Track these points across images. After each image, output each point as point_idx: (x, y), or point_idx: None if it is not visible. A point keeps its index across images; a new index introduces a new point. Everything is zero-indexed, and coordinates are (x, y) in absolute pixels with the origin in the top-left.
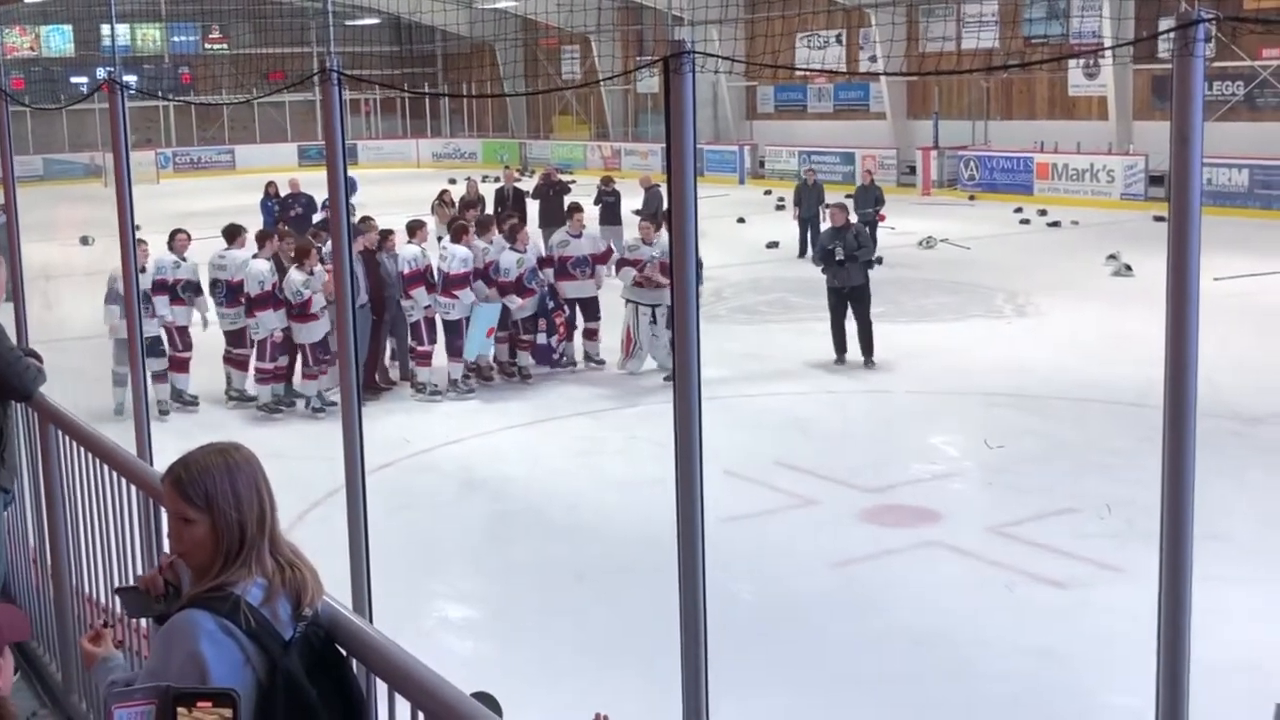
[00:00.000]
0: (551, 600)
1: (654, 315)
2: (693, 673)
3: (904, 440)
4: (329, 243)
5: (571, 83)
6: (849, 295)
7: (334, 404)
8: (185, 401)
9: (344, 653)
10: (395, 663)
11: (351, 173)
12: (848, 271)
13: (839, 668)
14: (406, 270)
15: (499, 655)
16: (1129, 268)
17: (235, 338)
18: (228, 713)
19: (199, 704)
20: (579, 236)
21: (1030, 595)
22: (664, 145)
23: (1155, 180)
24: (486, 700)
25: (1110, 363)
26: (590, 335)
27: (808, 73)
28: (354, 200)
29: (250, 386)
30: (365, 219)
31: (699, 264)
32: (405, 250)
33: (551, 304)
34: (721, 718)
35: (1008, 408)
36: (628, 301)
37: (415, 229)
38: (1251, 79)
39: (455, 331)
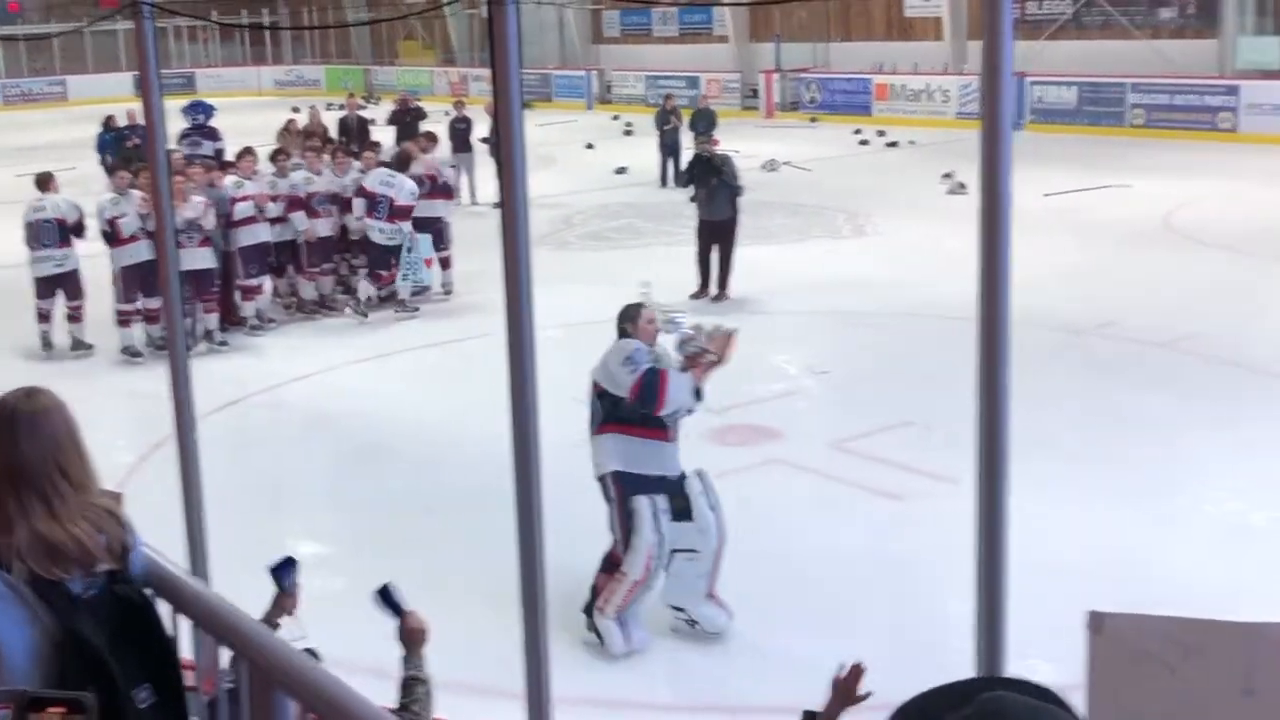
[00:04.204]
0: (401, 533)
1: None
2: (532, 602)
3: (747, 361)
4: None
5: (414, 8)
6: (718, 229)
7: (224, 343)
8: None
9: (158, 604)
10: (216, 611)
11: (207, 99)
12: (717, 204)
13: None
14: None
15: (348, 591)
16: (963, 186)
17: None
18: (79, 718)
19: (50, 709)
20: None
21: (869, 508)
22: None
23: None
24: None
25: (944, 279)
26: (444, 264)
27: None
28: (211, 124)
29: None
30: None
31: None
32: (223, 181)
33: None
34: (568, 642)
35: (847, 326)
36: None
37: (239, 158)
38: None
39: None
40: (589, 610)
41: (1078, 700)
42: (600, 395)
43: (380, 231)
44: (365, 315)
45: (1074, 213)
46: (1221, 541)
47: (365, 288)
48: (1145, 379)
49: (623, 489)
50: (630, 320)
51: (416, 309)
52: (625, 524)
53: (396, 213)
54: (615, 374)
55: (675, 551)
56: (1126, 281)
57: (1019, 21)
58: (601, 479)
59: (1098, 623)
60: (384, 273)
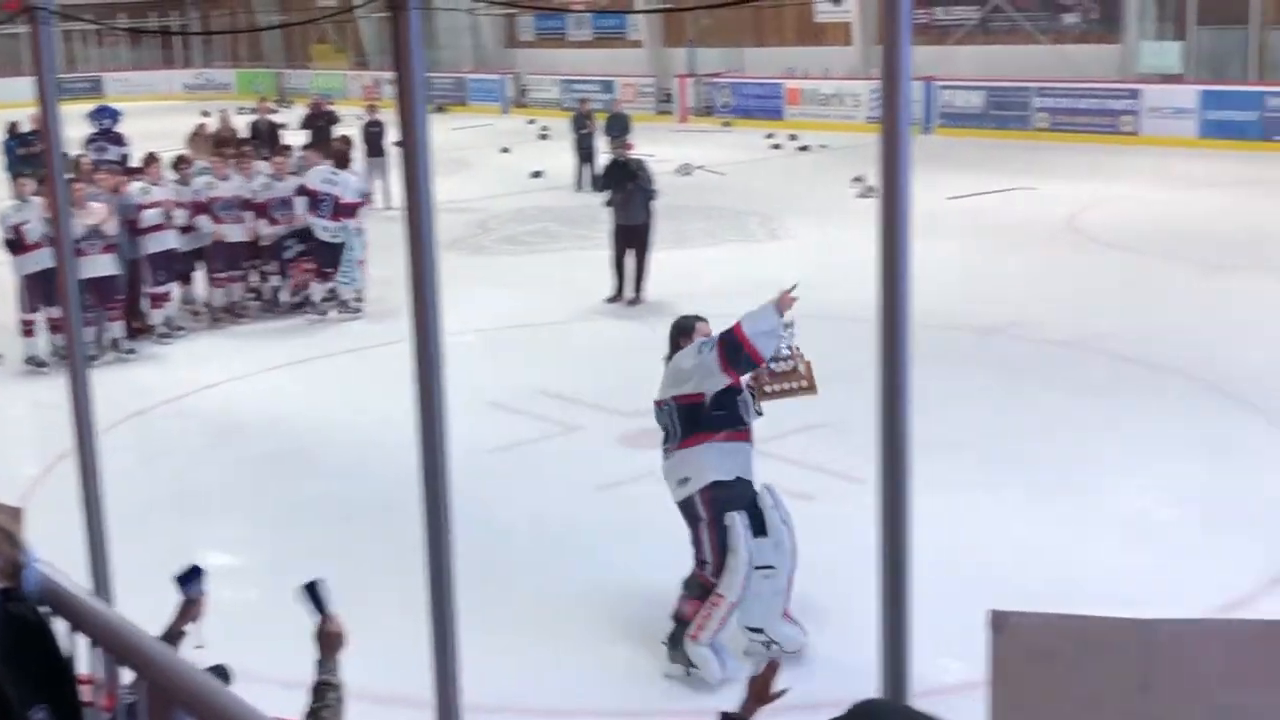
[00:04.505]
0: (319, 542)
1: None
2: (440, 609)
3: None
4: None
5: (326, 11)
6: (633, 233)
7: (132, 351)
8: None
9: (54, 622)
10: (113, 628)
11: (114, 104)
12: (632, 208)
13: (609, 588)
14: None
15: (262, 602)
16: (873, 189)
17: None
18: None
19: None
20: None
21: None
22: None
23: None
24: (218, 673)
25: (855, 281)
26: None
27: (534, 10)
28: (118, 129)
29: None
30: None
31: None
32: (129, 188)
33: (299, 248)
34: (494, 647)
35: None
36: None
37: (146, 164)
38: (985, 3)
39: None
40: (675, 641)
41: (981, 698)
42: (679, 408)
43: (325, 229)
44: (324, 314)
45: (982, 214)
46: (1124, 538)
47: (318, 288)
48: (1052, 378)
49: (713, 507)
50: (686, 334)
51: (358, 309)
52: (718, 543)
53: (342, 210)
54: (697, 367)
55: (755, 569)
56: (1033, 282)
57: (928, 27)
58: (688, 499)
59: (1000, 622)
60: (330, 270)
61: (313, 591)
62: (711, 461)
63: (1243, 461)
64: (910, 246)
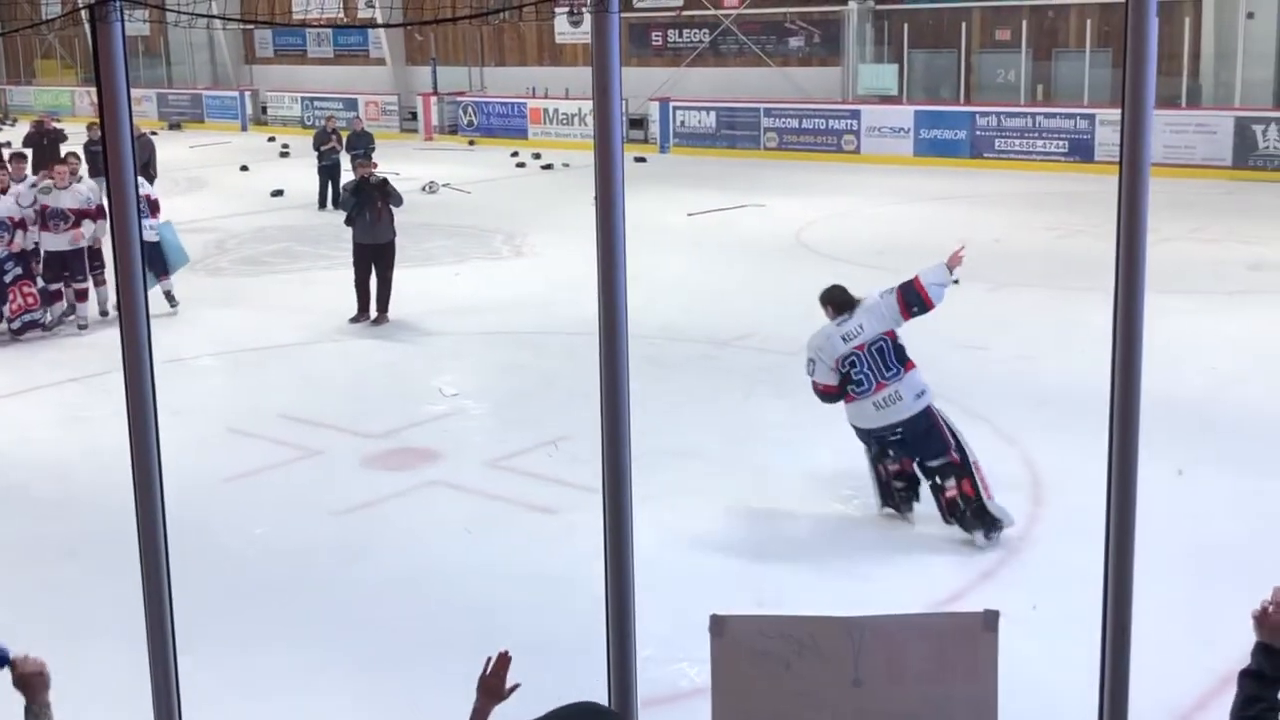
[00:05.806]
0: (43, 579)
1: None
2: (160, 643)
3: (407, 384)
4: None
5: (52, 26)
6: (377, 252)
7: None
8: None
9: None
10: None
11: None
12: (379, 227)
13: (341, 616)
14: None
15: None
16: None
17: None
18: None
19: None
20: (65, 188)
21: (523, 523)
22: (154, 91)
23: (635, 123)
24: None
25: (596, 297)
26: (80, 296)
27: (244, 24)
28: None
29: None
30: None
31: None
32: None
33: (16, 270)
34: (212, 682)
35: (505, 345)
36: None
37: None
38: (715, 27)
39: None
40: (979, 515)
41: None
42: (891, 342)
43: (150, 228)
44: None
45: (715, 230)
46: (839, 540)
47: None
48: (780, 387)
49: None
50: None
51: (177, 303)
52: (950, 426)
53: (153, 207)
54: (885, 304)
55: None
56: (762, 294)
57: (662, 49)
58: (928, 406)
59: (718, 626)
60: (162, 269)
61: None
62: (924, 377)
63: None
64: (624, 263)
